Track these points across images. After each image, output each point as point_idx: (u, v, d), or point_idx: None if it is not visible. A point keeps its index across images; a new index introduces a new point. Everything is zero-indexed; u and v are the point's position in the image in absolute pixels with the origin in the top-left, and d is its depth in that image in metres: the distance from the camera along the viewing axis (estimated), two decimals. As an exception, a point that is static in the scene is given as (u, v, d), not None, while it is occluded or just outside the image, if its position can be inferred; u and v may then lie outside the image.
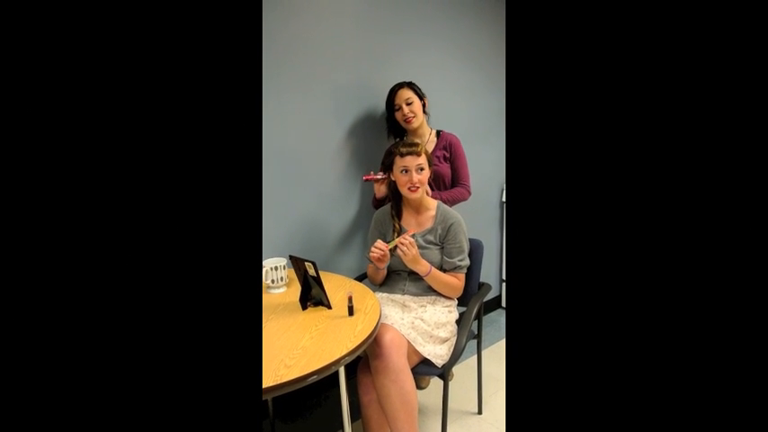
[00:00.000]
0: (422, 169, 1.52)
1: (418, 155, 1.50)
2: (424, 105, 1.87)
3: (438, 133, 1.92)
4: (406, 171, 1.52)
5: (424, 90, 1.87)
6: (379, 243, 1.46)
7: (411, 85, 1.85)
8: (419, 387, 2.02)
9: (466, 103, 2.40)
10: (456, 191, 1.87)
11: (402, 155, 1.52)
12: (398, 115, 1.84)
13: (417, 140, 1.85)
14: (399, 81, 1.87)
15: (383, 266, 1.55)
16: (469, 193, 1.90)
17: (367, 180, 1.71)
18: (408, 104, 1.81)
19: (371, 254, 1.47)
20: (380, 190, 1.78)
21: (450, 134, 1.92)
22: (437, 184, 1.88)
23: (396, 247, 1.46)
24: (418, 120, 1.84)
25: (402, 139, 1.91)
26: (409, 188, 1.53)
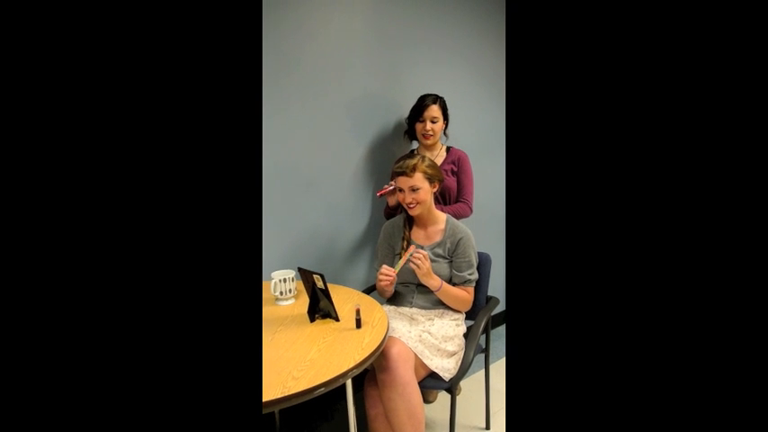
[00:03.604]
0: (415, 189, 1.52)
1: (409, 176, 1.51)
2: (445, 127, 1.93)
3: (448, 149, 1.96)
4: (402, 190, 1.54)
5: None
6: (385, 269, 1.47)
7: (442, 104, 1.90)
8: (426, 401, 2.01)
9: (473, 118, 2.41)
10: (458, 206, 1.89)
11: (396, 174, 1.54)
12: (419, 126, 1.88)
13: (427, 153, 1.88)
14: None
15: (392, 290, 1.58)
16: (471, 210, 1.92)
17: (381, 195, 1.73)
18: (433, 122, 1.86)
19: (380, 282, 1.48)
20: (393, 199, 1.80)
21: (459, 150, 1.96)
22: (443, 197, 1.89)
23: (407, 262, 1.47)
24: (435, 138, 1.89)
25: (418, 144, 1.98)
26: (406, 205, 1.56)
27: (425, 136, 1.87)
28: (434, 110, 1.86)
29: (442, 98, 1.91)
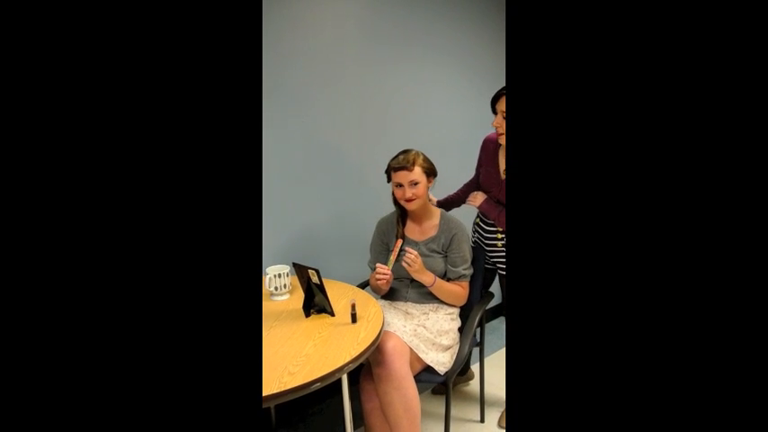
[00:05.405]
0: (415, 184, 1.52)
1: (410, 170, 1.50)
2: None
3: None
4: (400, 185, 1.53)
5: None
6: (380, 268, 1.48)
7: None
8: (468, 379, 2.07)
9: (464, 114, 2.41)
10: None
11: (395, 170, 1.53)
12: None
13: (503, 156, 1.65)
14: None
15: (388, 288, 1.58)
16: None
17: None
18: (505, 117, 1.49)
19: (378, 281, 1.49)
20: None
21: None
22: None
23: (398, 258, 1.47)
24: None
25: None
26: (405, 201, 1.54)
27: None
28: (505, 103, 1.51)
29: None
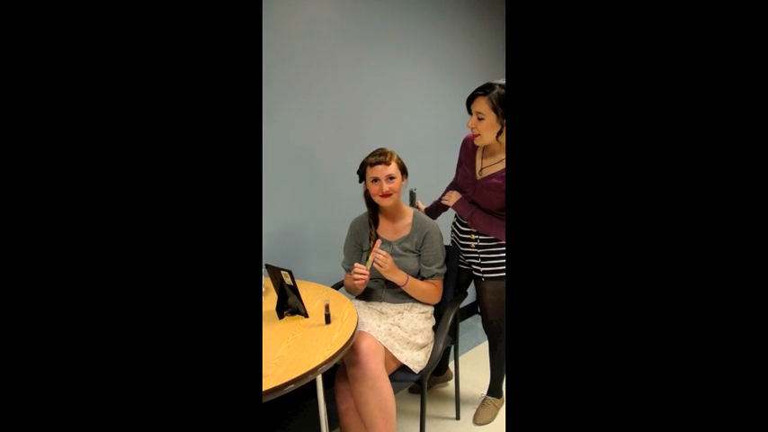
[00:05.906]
0: (392, 178, 1.53)
1: (387, 164, 1.52)
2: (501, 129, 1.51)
3: None
4: (377, 180, 1.54)
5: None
6: (358, 267, 1.47)
7: (497, 98, 1.45)
8: (446, 380, 2.06)
9: (439, 114, 2.43)
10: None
11: (372, 164, 1.54)
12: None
13: (486, 161, 1.62)
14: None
15: (364, 287, 1.57)
16: None
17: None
18: (479, 119, 1.49)
19: (356, 281, 1.48)
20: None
21: None
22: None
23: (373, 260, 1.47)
24: (482, 140, 1.55)
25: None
26: (380, 196, 1.55)
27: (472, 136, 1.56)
28: (479, 103, 1.47)
29: (498, 87, 1.45)
